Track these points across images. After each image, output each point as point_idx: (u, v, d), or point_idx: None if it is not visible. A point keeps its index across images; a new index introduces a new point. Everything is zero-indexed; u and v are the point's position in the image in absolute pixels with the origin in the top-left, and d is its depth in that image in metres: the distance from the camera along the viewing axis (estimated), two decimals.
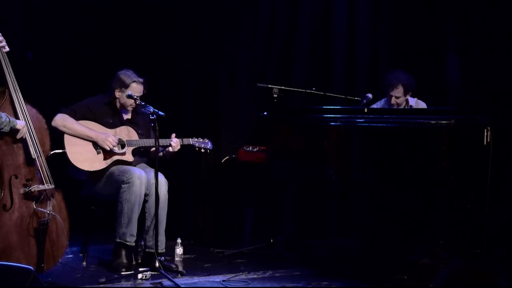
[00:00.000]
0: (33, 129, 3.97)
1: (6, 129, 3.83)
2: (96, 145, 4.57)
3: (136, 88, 4.68)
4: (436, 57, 5.98)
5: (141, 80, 4.71)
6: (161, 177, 4.63)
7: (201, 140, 4.86)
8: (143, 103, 4.58)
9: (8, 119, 3.83)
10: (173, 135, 4.72)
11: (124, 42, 5.65)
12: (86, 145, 4.55)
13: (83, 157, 4.52)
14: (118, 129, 4.70)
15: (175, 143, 4.70)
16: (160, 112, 4.48)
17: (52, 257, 4.06)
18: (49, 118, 4.47)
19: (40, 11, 5.37)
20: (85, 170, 4.51)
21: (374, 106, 5.33)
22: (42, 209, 3.98)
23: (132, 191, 4.48)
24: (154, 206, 4.49)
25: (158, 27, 5.74)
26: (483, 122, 4.11)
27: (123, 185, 4.50)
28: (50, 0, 5.44)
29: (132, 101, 4.67)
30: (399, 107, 5.20)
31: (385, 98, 5.30)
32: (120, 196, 4.51)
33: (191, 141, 4.82)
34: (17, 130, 3.89)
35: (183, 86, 5.82)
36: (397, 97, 5.15)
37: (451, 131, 4.13)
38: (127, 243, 4.53)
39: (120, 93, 4.70)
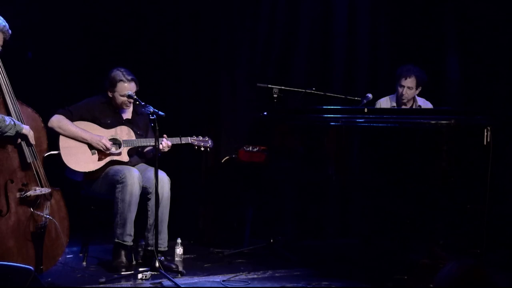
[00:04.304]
0: None
1: (11, 132, 3.82)
2: (91, 146, 4.57)
3: (124, 88, 4.66)
4: (436, 57, 5.99)
5: (129, 78, 4.67)
6: (163, 175, 4.64)
7: (200, 138, 4.84)
8: (143, 103, 4.57)
9: (13, 123, 3.82)
10: (164, 136, 4.66)
11: (123, 42, 5.64)
12: (81, 147, 4.55)
13: (77, 159, 4.52)
14: (116, 128, 4.70)
15: (164, 143, 4.63)
16: (160, 112, 4.47)
17: (51, 257, 4.07)
18: (48, 118, 4.48)
19: (40, 11, 5.37)
20: (79, 172, 4.52)
21: (381, 100, 5.33)
22: (39, 213, 3.97)
23: (127, 190, 4.48)
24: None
25: (158, 27, 5.74)
26: (483, 122, 4.11)
27: (117, 185, 4.50)
28: (50, 0, 5.43)
29: (125, 99, 4.67)
30: (406, 103, 5.22)
31: (392, 95, 5.31)
32: (115, 196, 4.51)
33: (189, 139, 4.80)
34: (23, 135, 3.88)
35: (183, 86, 5.81)
36: (409, 88, 5.15)
37: (451, 131, 4.13)
38: (125, 243, 4.53)
39: (112, 93, 4.70)
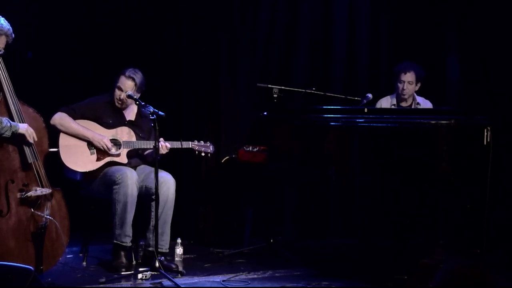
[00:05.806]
0: None
1: (8, 134, 3.81)
2: (90, 145, 4.56)
3: (121, 81, 4.66)
4: (436, 57, 5.99)
5: (130, 75, 4.65)
6: (169, 177, 4.64)
7: (202, 143, 4.81)
8: (143, 103, 4.57)
9: (9, 124, 3.81)
10: (161, 139, 4.61)
11: (123, 42, 5.64)
12: (80, 146, 4.54)
13: (76, 158, 4.51)
14: (117, 129, 4.69)
15: (161, 146, 4.61)
16: (160, 112, 4.47)
17: (52, 257, 4.06)
18: (50, 118, 4.48)
19: (40, 11, 5.37)
20: (78, 171, 4.51)
21: (382, 100, 5.34)
22: (40, 213, 3.96)
23: (123, 191, 4.46)
24: (161, 205, 4.49)
25: (158, 27, 5.73)
26: (483, 122, 4.12)
27: (114, 186, 4.48)
28: (50, 0, 5.44)
29: (118, 93, 4.66)
30: (406, 99, 5.22)
31: (391, 95, 5.32)
32: (112, 197, 4.50)
33: (191, 144, 4.78)
34: (21, 135, 3.88)
35: (183, 86, 5.81)
36: (409, 82, 5.18)
37: (451, 131, 4.13)
38: (123, 244, 4.53)
39: (115, 87, 4.71)
